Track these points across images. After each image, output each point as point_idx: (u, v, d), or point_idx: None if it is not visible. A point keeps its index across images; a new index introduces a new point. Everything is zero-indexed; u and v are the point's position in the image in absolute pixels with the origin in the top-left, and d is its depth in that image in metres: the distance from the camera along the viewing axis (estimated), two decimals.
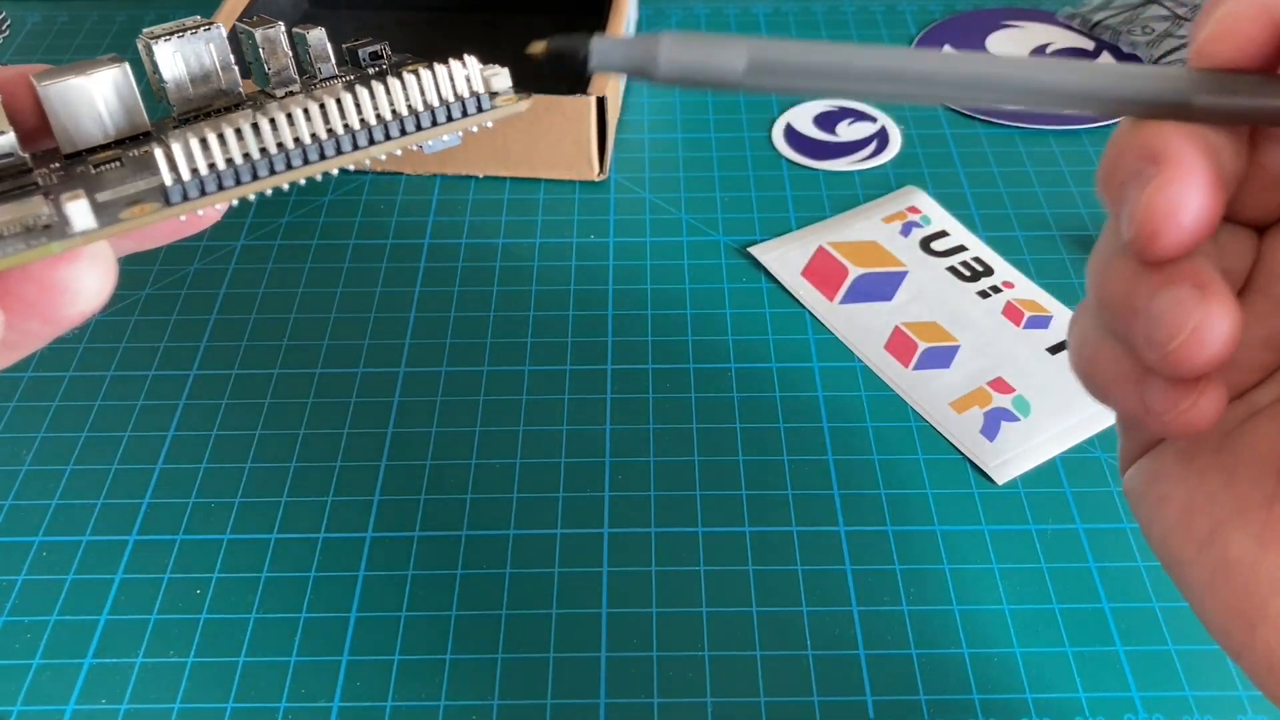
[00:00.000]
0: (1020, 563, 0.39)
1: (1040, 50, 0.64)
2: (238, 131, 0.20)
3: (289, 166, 0.20)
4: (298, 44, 0.23)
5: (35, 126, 0.21)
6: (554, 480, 0.41)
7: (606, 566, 0.39)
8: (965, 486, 0.41)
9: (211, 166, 0.20)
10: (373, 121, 0.21)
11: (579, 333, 0.47)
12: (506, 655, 0.36)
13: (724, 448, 0.42)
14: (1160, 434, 0.23)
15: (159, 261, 0.51)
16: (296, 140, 0.20)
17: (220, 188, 0.20)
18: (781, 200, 0.54)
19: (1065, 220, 0.52)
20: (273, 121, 0.20)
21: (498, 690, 0.35)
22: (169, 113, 0.23)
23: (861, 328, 0.47)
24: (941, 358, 0.46)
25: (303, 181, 0.21)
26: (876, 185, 0.55)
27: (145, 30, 0.22)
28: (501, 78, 0.22)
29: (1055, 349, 0.46)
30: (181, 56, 0.22)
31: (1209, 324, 0.18)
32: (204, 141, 0.19)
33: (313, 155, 0.20)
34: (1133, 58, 0.63)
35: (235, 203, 0.20)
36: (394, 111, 0.21)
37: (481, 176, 0.55)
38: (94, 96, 0.21)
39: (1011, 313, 0.47)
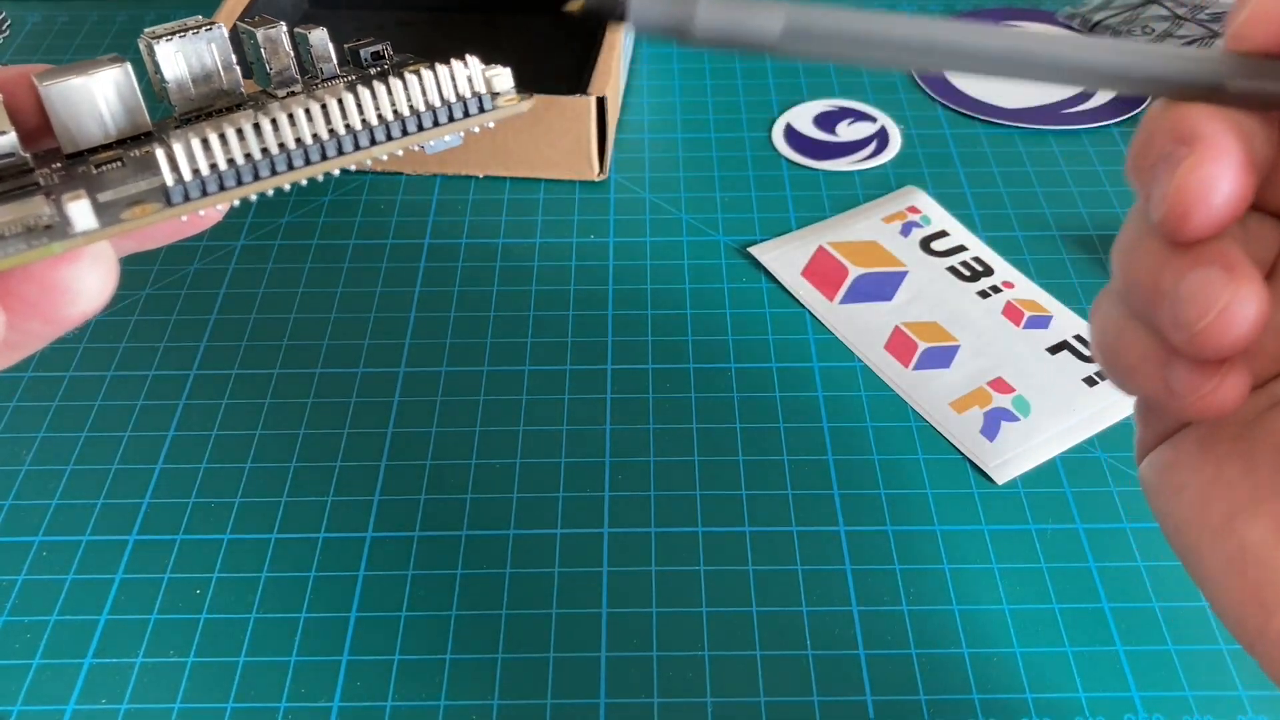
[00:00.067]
0: (1020, 563, 0.39)
1: None
2: (239, 132, 0.20)
3: (290, 167, 0.20)
4: (299, 44, 0.23)
5: (36, 126, 0.21)
6: (554, 480, 0.41)
7: (606, 566, 0.39)
8: (965, 486, 0.41)
9: (213, 167, 0.20)
10: (374, 122, 0.21)
11: (579, 333, 0.47)
12: (506, 655, 0.36)
13: (724, 448, 0.42)
14: (1183, 417, 0.22)
15: (159, 261, 0.51)
16: (298, 140, 0.20)
17: (222, 188, 0.20)
18: (781, 200, 0.54)
19: (1065, 220, 0.52)
20: (274, 122, 0.20)
21: (498, 690, 0.35)
22: (170, 113, 0.23)
23: (861, 328, 0.47)
24: (941, 358, 0.46)
25: (304, 182, 0.21)
26: (876, 185, 0.55)
27: (147, 30, 0.22)
28: (503, 78, 0.22)
29: (1055, 349, 0.46)
30: (183, 56, 0.22)
31: (1237, 304, 0.18)
32: (205, 142, 0.19)
33: (314, 155, 0.20)
34: None
35: (236, 203, 0.20)
36: (395, 112, 0.21)
37: (481, 176, 0.55)
38: (95, 96, 0.21)
39: (1011, 313, 0.47)
